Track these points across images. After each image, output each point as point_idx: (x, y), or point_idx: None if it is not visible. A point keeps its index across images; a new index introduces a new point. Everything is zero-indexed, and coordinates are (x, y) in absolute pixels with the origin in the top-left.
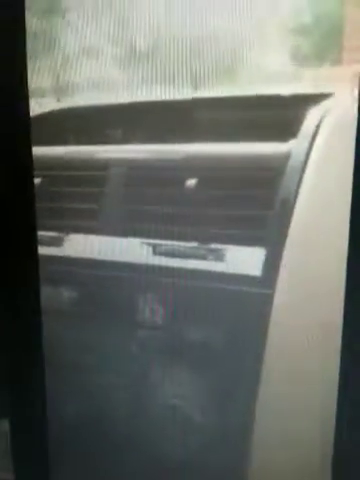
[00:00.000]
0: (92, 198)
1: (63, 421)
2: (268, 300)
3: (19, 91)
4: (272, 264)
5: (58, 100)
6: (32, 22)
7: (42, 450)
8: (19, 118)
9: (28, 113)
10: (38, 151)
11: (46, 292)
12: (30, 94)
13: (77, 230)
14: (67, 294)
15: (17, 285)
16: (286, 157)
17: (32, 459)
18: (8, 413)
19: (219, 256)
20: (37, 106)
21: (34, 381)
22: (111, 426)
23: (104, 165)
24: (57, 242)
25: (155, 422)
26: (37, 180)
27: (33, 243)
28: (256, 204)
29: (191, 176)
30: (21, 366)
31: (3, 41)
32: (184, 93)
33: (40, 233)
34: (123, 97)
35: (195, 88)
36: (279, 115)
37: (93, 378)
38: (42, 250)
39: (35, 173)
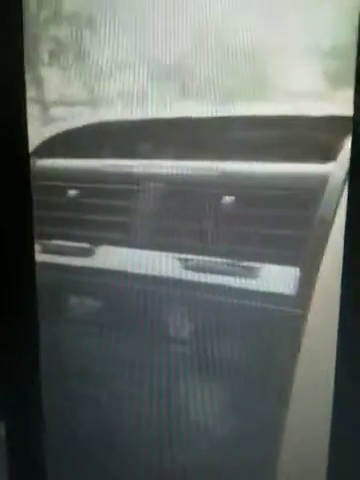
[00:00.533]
0: (125, 211)
1: (77, 433)
2: (301, 320)
3: (17, 99)
4: (307, 284)
5: (89, 111)
6: (61, 32)
7: (39, 454)
8: (16, 125)
9: (25, 120)
10: (72, 163)
11: (74, 302)
12: (59, 103)
13: (109, 242)
14: (96, 305)
15: (13, 288)
16: (325, 179)
17: (28, 463)
18: (4, 416)
19: (252, 273)
20: (68, 115)
21: (31, 384)
22: (118, 435)
23: (139, 179)
24: (88, 253)
25: (174, 436)
26: (71, 191)
27: (29, 244)
28: (292, 224)
29: (227, 193)
30: (18, 369)
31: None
32: (214, 110)
33: (70, 244)
34: (154, 112)
35: (224, 105)
36: (318, 136)
37: (116, 389)
38: (72, 261)
39: (69, 185)
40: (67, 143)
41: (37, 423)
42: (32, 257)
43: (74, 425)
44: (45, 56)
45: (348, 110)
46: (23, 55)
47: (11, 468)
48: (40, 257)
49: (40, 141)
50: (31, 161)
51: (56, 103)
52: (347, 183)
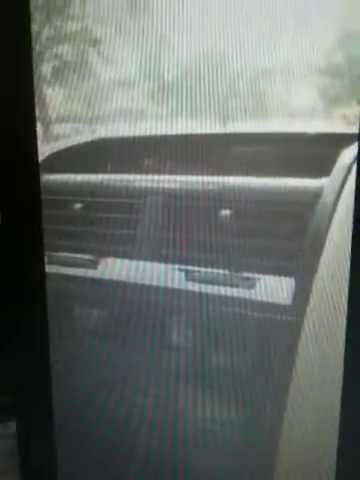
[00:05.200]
0: (128, 224)
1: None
2: (297, 328)
3: (27, 112)
4: (302, 294)
5: (91, 128)
6: (63, 49)
7: (49, 452)
8: (26, 135)
9: (35, 129)
10: (78, 178)
11: (79, 312)
12: (64, 119)
13: (112, 254)
14: (99, 315)
15: (23, 285)
16: (318, 193)
17: (39, 462)
18: (15, 415)
19: (250, 284)
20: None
21: (41, 383)
22: (126, 436)
23: (141, 193)
24: (92, 265)
25: (176, 442)
26: (77, 205)
27: (39, 248)
28: (288, 236)
29: (225, 207)
30: (27, 368)
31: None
32: (212, 127)
33: (76, 255)
34: (153, 129)
35: (224, 123)
36: (312, 152)
37: (117, 396)
38: (77, 272)
39: (74, 199)
40: (71, 159)
41: (47, 422)
42: (42, 260)
43: (84, 426)
44: (48, 73)
45: (342, 127)
46: (32, 68)
47: (22, 465)
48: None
49: (45, 157)
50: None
51: (57, 120)
52: (340, 199)
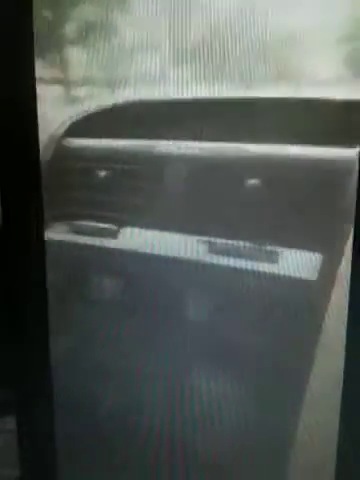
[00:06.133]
0: (150, 193)
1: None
2: (322, 306)
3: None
4: (329, 271)
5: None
6: (88, 11)
7: (48, 447)
8: (25, 108)
9: (36, 121)
10: (97, 143)
11: (97, 282)
12: (83, 83)
13: (134, 224)
14: (117, 286)
15: (23, 280)
16: (353, 163)
17: (38, 456)
18: (14, 411)
19: (275, 258)
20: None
21: (40, 378)
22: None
23: (164, 160)
24: (112, 234)
25: (188, 420)
26: (98, 172)
27: (40, 233)
28: (318, 209)
29: (252, 176)
30: (27, 363)
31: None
32: (237, 92)
33: (95, 224)
34: (175, 92)
35: (248, 87)
36: (345, 121)
37: (131, 371)
38: (96, 241)
39: (94, 165)
40: (93, 123)
41: (46, 417)
42: (42, 241)
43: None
44: (69, 36)
45: None
46: (33, 57)
47: (22, 461)
48: (66, 237)
49: (66, 121)
50: (58, 141)
51: (78, 83)
52: None
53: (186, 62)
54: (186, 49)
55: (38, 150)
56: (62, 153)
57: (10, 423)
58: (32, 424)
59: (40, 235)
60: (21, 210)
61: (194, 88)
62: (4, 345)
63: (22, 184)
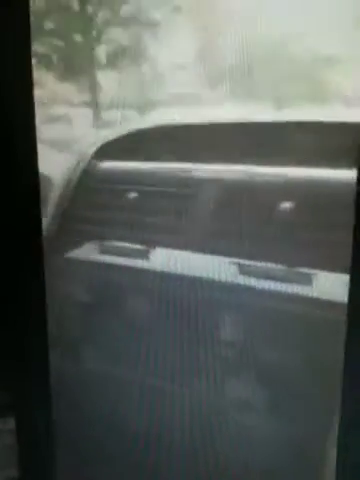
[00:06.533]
0: (182, 214)
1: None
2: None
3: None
4: None
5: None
6: (118, 33)
7: (47, 448)
8: (23, 123)
9: (34, 127)
10: (130, 166)
11: (127, 302)
12: (114, 106)
13: (165, 244)
14: (148, 305)
15: (23, 282)
16: None
17: (38, 457)
18: (14, 411)
19: (307, 280)
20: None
21: (39, 379)
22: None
23: (197, 183)
24: (143, 255)
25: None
26: (131, 194)
27: (38, 247)
28: (349, 231)
29: (285, 199)
30: (26, 364)
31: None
32: (267, 113)
33: (127, 245)
34: (206, 114)
35: (278, 108)
36: None
37: (165, 390)
38: (127, 262)
39: (127, 187)
40: (126, 146)
41: (45, 418)
42: (41, 255)
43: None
44: (102, 59)
45: None
46: (31, 65)
47: (21, 461)
48: (98, 257)
49: (99, 144)
50: (90, 163)
51: (109, 106)
52: None
53: (214, 84)
54: (221, 70)
55: (36, 160)
56: (94, 174)
57: (10, 423)
58: (32, 425)
59: (38, 233)
60: (19, 220)
61: (223, 108)
62: (3, 347)
63: (20, 195)
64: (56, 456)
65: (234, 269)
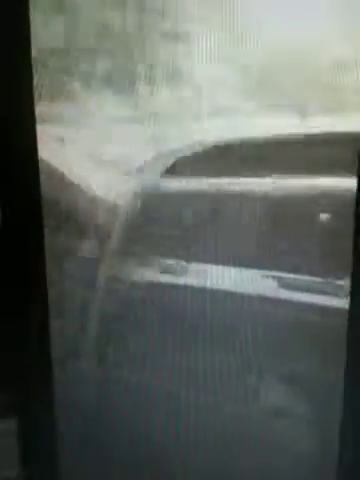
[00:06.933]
0: (219, 229)
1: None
2: None
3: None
4: None
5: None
6: (148, 47)
7: (49, 449)
8: (24, 123)
9: (35, 129)
10: (164, 183)
11: (167, 317)
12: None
13: (202, 260)
14: (186, 321)
15: (26, 286)
16: None
17: (39, 458)
18: (16, 412)
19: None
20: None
21: (42, 380)
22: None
23: (234, 197)
24: (181, 270)
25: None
26: (167, 211)
27: (40, 249)
28: None
29: (323, 210)
30: (29, 365)
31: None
32: (292, 122)
33: (166, 261)
34: (235, 124)
35: (303, 117)
36: None
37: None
38: (166, 278)
39: (163, 207)
40: (176, 162)
41: (48, 419)
42: (43, 257)
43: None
44: (143, 73)
45: None
46: (31, 66)
47: (22, 462)
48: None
49: (149, 160)
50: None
51: (153, 121)
52: None
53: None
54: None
55: (37, 159)
56: (145, 191)
57: (12, 424)
58: (33, 425)
59: (40, 235)
60: (21, 221)
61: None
62: (5, 347)
63: (22, 196)
64: (58, 457)
65: (273, 283)
